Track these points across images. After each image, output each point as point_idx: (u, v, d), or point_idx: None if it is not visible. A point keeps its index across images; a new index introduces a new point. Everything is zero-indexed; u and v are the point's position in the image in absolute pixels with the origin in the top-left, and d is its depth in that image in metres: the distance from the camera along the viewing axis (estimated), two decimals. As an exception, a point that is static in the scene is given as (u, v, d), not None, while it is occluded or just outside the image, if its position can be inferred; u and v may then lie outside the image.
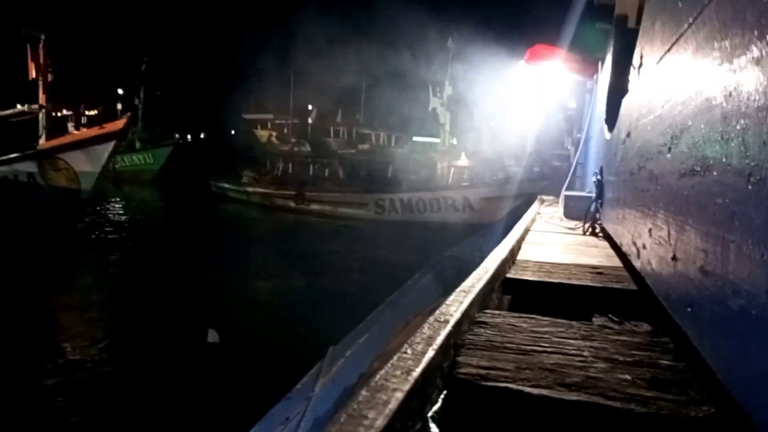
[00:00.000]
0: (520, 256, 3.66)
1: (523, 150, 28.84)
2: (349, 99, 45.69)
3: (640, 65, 3.19)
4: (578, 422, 1.42)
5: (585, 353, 1.78)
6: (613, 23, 5.76)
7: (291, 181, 34.50)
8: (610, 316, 2.49)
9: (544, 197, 8.82)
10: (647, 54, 3.01)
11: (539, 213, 6.68)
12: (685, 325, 1.75)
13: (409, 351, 1.48)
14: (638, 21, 3.82)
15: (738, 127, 1.37)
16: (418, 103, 35.75)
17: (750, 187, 1.25)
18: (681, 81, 2.05)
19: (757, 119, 1.24)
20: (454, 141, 33.51)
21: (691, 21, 1.94)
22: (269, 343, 8.79)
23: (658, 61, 2.53)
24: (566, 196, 6.11)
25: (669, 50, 2.32)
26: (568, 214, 5.96)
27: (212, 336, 10.41)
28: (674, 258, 1.91)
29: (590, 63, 7.02)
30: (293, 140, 40.42)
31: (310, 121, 43.35)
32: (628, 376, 1.63)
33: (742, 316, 1.24)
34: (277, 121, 43.93)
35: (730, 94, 1.44)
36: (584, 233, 4.96)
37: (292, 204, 31.68)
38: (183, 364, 7.67)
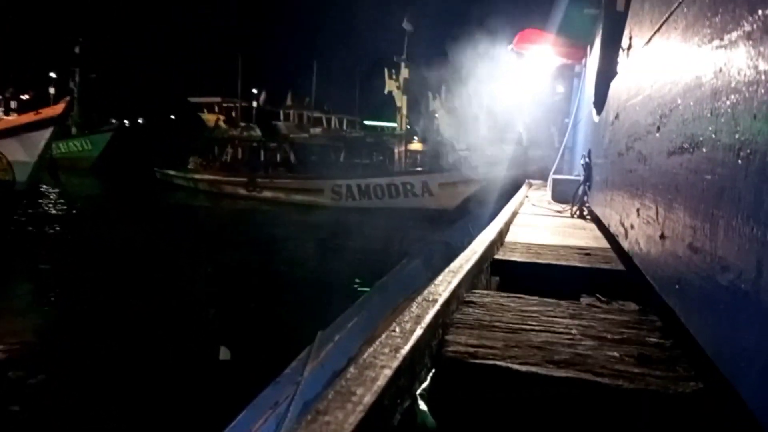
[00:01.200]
0: (509, 238, 3.66)
1: (478, 135, 28.60)
2: (299, 82, 44.61)
3: (629, 47, 3.18)
4: (567, 398, 1.42)
5: (573, 331, 1.78)
6: (602, 7, 5.75)
7: (241, 167, 33.31)
8: (598, 296, 2.50)
9: (533, 181, 8.83)
10: (636, 36, 3.00)
11: (527, 196, 6.69)
12: (673, 303, 1.76)
13: (397, 329, 1.47)
14: (627, 4, 3.81)
15: (728, 103, 1.36)
16: (373, 86, 34.82)
17: (740, 162, 1.24)
18: (670, 60, 2.05)
19: (747, 94, 1.24)
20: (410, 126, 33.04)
21: (681, 0, 1.92)
22: (245, 330, 8.73)
23: (647, 42, 2.53)
24: (554, 180, 6.13)
25: (658, 30, 2.31)
26: (557, 197, 5.97)
27: (224, 354, 10.19)
28: (662, 236, 1.91)
29: (579, 47, 7.01)
30: (242, 124, 38.40)
31: (257, 104, 41.58)
32: (616, 353, 1.64)
33: (730, 292, 1.24)
34: (225, 105, 41.02)
35: (720, 70, 1.44)
36: (572, 216, 4.97)
37: (242, 191, 30.46)
38: (153, 359, 7.55)
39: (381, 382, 1.15)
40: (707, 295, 1.42)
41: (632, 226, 2.53)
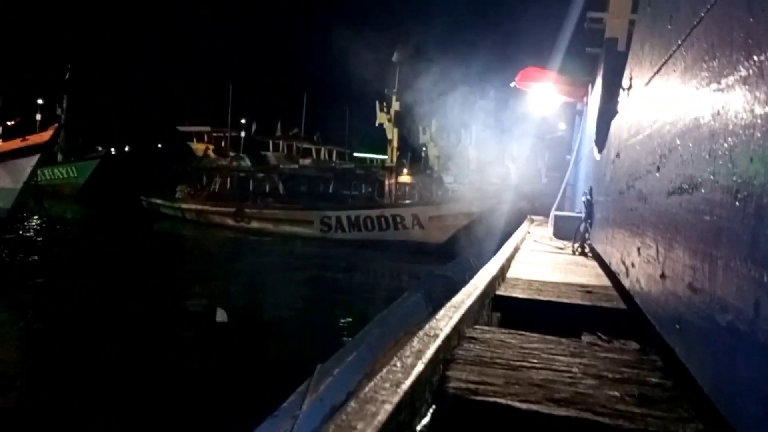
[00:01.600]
0: (510, 274, 3.67)
1: (467, 169, 28.96)
2: (289, 112, 44.71)
3: (630, 87, 3.23)
4: (566, 436, 1.41)
5: (574, 369, 1.78)
6: (603, 47, 5.86)
7: (229, 197, 32.67)
8: (599, 334, 2.50)
9: (534, 217, 8.85)
10: (636, 76, 3.05)
11: (529, 232, 6.71)
12: (674, 343, 1.76)
13: (398, 364, 1.47)
14: (627, 45, 3.88)
15: (725, 145, 1.39)
16: (364, 117, 34.64)
17: (737, 203, 1.26)
18: (670, 101, 2.08)
19: (744, 137, 1.26)
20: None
21: (679, 43, 1.97)
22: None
23: (647, 83, 2.57)
24: (556, 216, 6.15)
25: (658, 72, 2.35)
26: (558, 234, 5.99)
27: (221, 315, 10.05)
28: (663, 276, 1.92)
29: (580, 86, 7.10)
30: (231, 154, 38.15)
31: (247, 134, 41.55)
32: (616, 393, 1.64)
33: (729, 332, 1.25)
34: (214, 134, 40.90)
35: (718, 113, 1.47)
36: (574, 253, 4.98)
37: (230, 221, 29.94)
38: (141, 395, 7.40)
39: (382, 417, 1.15)
40: (707, 335, 1.43)
41: (633, 265, 2.54)
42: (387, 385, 1.31)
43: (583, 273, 3.93)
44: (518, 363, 1.80)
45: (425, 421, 1.49)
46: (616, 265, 3.12)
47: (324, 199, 30.45)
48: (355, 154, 47.66)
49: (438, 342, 1.70)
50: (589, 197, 4.82)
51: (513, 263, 4.15)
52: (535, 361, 1.84)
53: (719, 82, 1.48)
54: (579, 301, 2.94)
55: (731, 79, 1.38)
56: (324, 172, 35.12)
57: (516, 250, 4.79)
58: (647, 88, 2.54)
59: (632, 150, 2.75)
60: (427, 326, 1.86)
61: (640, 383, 1.74)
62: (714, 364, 1.40)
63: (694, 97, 1.73)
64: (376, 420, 1.13)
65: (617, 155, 3.32)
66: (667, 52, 2.16)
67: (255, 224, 29.20)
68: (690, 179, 1.68)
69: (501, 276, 3.42)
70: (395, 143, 29.64)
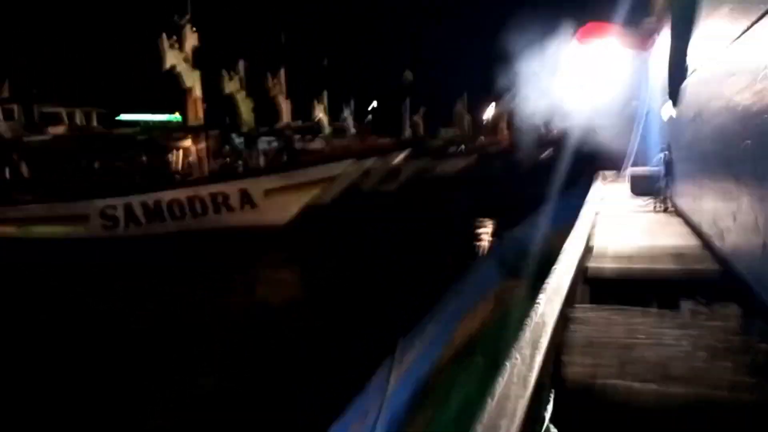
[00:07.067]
0: (596, 242, 3.69)
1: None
2: (18, 65, 30.96)
3: (706, 47, 3.17)
4: (688, 413, 1.50)
5: (683, 343, 1.85)
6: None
7: None
8: (698, 299, 2.53)
9: (607, 173, 8.71)
10: (714, 36, 2.99)
11: (605, 191, 6.63)
12: None
13: (518, 356, 1.59)
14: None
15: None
16: (140, 62, 25.46)
17: None
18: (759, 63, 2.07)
19: None
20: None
21: None
22: None
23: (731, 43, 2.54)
24: (632, 174, 6.06)
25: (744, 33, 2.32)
26: (636, 191, 5.91)
27: None
28: (765, 245, 1.94)
29: (645, 36, 6.90)
30: None
31: None
32: (729, 364, 1.70)
33: None
34: None
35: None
36: (655, 211, 4.93)
37: None
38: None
39: (520, 412, 1.28)
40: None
41: (728, 229, 2.55)
42: (515, 380, 1.43)
43: (671, 233, 3.91)
44: (628, 341, 1.88)
45: (549, 406, 1.60)
46: (707, 227, 3.11)
47: (103, 181, 21.10)
48: (125, 117, 35.10)
49: (549, 329, 1.80)
50: (668, 153, 4.75)
51: (597, 228, 4.15)
52: (644, 337, 1.91)
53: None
54: (672, 266, 2.95)
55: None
56: (89, 143, 24.46)
57: (596, 213, 4.78)
58: (727, 52, 2.50)
59: (716, 115, 2.72)
60: (535, 314, 1.96)
61: (749, 351, 1.79)
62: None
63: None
64: (516, 417, 1.25)
65: (699, 115, 3.27)
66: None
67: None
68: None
69: (588, 246, 3.45)
70: (198, 93, 20.49)
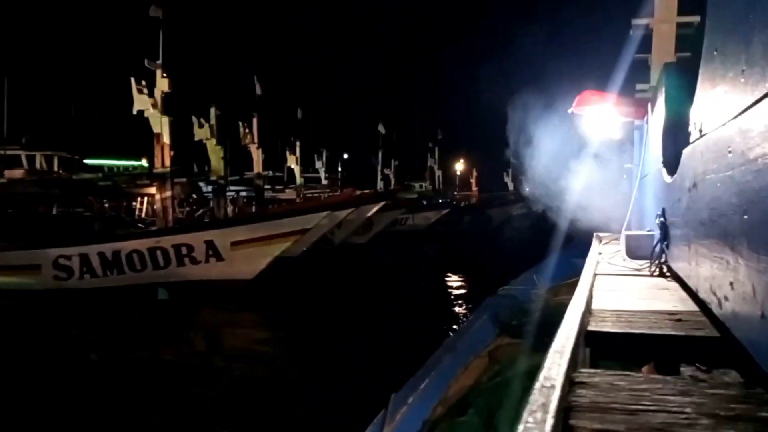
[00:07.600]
0: (595, 305, 3.77)
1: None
2: None
3: (701, 125, 3.32)
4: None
5: (687, 410, 1.90)
6: (662, 72, 5.91)
7: None
8: (698, 365, 2.59)
9: (601, 235, 8.84)
10: (707, 116, 3.14)
11: (600, 253, 6.75)
12: None
13: (530, 419, 1.64)
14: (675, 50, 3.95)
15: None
16: (107, 105, 24.38)
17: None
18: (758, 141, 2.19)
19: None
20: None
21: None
22: None
23: (723, 125, 2.67)
24: (627, 236, 6.19)
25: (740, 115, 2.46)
26: (631, 254, 6.03)
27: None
28: (763, 315, 2.02)
29: (641, 104, 7.15)
30: None
31: None
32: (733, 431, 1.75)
33: None
34: None
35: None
36: (651, 274, 5.03)
37: None
38: None
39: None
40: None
41: (726, 298, 2.63)
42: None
43: (668, 298, 3.99)
44: (633, 406, 1.93)
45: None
46: (705, 294, 3.19)
47: (51, 228, 19.80)
48: (92, 162, 35.20)
49: (557, 393, 1.86)
50: (663, 219, 4.88)
51: (595, 291, 4.24)
52: (648, 403, 1.97)
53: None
54: (671, 332, 3.03)
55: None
56: (48, 187, 23.36)
57: (594, 276, 4.87)
58: (724, 128, 2.64)
59: (712, 185, 2.84)
60: (541, 377, 2.01)
61: (752, 420, 1.85)
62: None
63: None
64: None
65: (694, 185, 3.40)
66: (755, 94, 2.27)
67: None
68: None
69: (588, 308, 3.53)
70: (166, 139, 19.48)
